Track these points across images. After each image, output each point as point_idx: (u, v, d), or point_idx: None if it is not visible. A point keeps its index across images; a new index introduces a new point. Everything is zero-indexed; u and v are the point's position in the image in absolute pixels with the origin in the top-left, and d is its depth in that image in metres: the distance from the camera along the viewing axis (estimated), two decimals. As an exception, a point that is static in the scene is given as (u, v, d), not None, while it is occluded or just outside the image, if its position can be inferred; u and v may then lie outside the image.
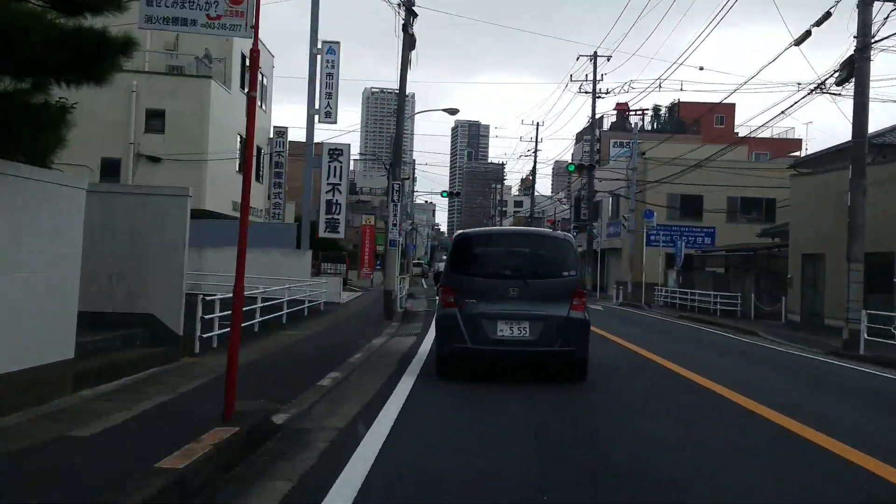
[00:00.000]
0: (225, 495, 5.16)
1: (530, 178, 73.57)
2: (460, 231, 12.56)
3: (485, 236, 12.57)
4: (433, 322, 13.04)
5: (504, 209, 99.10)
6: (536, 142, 69.63)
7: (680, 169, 38.72)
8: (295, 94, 49.64)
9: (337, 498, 5.08)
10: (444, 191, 37.17)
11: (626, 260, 45.45)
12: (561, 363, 10.56)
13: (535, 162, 72.43)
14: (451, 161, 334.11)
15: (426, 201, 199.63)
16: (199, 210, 24.94)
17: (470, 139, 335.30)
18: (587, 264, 43.32)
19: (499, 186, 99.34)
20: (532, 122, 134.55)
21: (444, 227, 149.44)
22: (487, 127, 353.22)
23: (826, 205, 24.84)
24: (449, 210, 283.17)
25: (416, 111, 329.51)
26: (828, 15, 18.51)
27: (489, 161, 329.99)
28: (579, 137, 67.65)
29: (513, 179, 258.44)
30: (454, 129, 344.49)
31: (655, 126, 68.76)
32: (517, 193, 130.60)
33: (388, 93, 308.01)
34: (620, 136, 62.94)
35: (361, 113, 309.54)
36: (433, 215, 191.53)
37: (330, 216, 28.45)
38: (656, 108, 73.01)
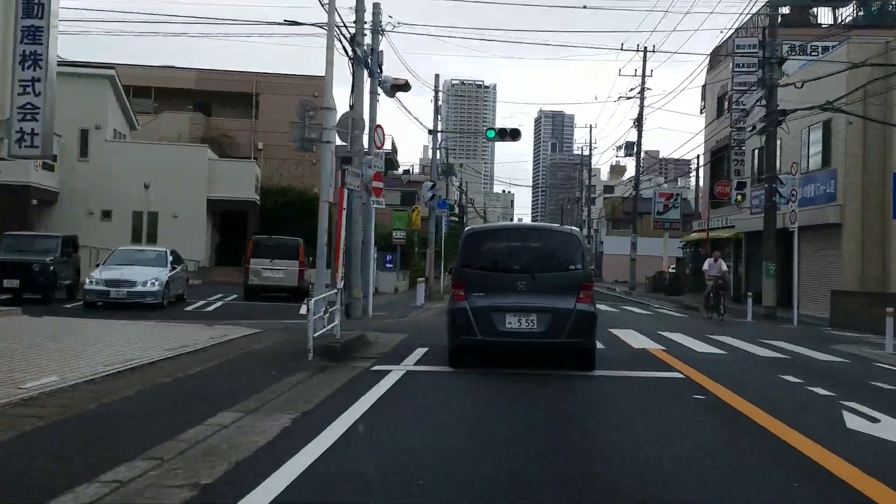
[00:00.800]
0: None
1: (621, 156, 60.55)
2: (469, 227, 12.94)
3: (493, 232, 12.89)
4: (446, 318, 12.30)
5: (592, 195, 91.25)
6: (644, 76, 48.82)
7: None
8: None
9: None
10: (490, 129, 30.97)
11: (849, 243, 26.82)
12: (568, 354, 10.92)
13: (641, 103, 48.13)
14: (534, 154, 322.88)
15: (504, 191, 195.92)
16: None
17: (553, 130, 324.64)
18: (768, 256, 25.74)
19: (583, 167, 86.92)
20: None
21: (527, 220, 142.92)
22: (572, 117, 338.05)
23: None
24: (532, 205, 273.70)
25: (496, 102, 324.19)
26: None
27: (574, 152, 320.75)
28: (717, 56, 42.19)
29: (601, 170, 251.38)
30: (537, 121, 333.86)
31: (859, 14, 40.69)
32: (606, 179, 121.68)
33: (468, 84, 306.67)
34: (801, 35, 33.42)
35: (442, 100, 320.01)
36: (511, 205, 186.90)
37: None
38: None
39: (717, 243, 38.01)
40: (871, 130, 26.00)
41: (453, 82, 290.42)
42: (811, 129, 28.69)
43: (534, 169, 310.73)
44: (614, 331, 17.46)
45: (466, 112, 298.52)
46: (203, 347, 11.89)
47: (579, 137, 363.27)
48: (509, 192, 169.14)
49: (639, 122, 48.52)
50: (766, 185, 26.10)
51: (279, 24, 23.15)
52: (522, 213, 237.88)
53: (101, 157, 36.96)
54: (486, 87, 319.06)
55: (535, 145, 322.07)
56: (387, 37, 26.51)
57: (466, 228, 12.86)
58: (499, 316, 10.51)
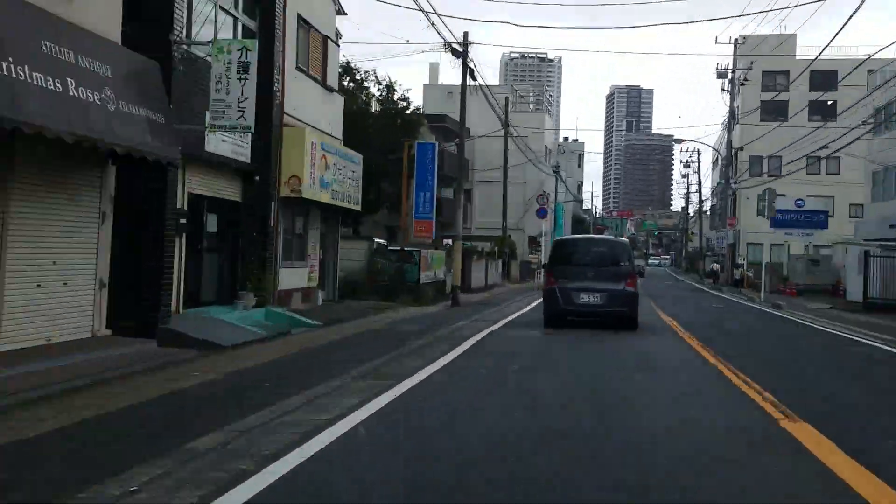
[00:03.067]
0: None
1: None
2: (557, 238, 19.68)
3: (572, 241, 20.09)
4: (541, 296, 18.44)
5: (688, 193, 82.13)
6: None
7: None
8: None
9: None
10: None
11: None
12: (619, 319, 16.44)
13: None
14: (605, 135, 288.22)
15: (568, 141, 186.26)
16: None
17: (629, 107, 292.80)
18: None
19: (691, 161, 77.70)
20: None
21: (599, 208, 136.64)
22: (651, 92, 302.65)
23: None
24: (604, 195, 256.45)
25: (562, 77, 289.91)
26: None
27: (653, 132, 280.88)
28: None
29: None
30: (609, 97, 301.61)
31: None
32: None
33: (529, 58, 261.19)
34: None
35: (499, 78, 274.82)
36: (579, 190, 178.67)
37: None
38: None
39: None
40: None
41: (512, 55, 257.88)
42: None
43: (605, 153, 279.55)
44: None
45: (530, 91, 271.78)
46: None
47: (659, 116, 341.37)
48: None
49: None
50: None
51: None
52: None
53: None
54: (551, 60, 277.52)
55: (606, 125, 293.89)
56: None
57: (555, 239, 19.93)
58: (575, 294, 16.37)
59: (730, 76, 53.38)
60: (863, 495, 4.91)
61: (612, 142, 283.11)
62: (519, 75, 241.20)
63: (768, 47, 50.56)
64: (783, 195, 36.88)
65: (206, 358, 10.80)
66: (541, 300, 18.86)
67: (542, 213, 40.16)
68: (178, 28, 12.53)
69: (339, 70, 23.41)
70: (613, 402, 8.48)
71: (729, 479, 5.37)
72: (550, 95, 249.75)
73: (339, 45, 21.87)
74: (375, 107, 34.25)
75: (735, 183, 52.66)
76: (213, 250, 15.56)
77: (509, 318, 19.23)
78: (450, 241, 30.38)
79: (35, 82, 8.33)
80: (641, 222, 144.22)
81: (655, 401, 8.58)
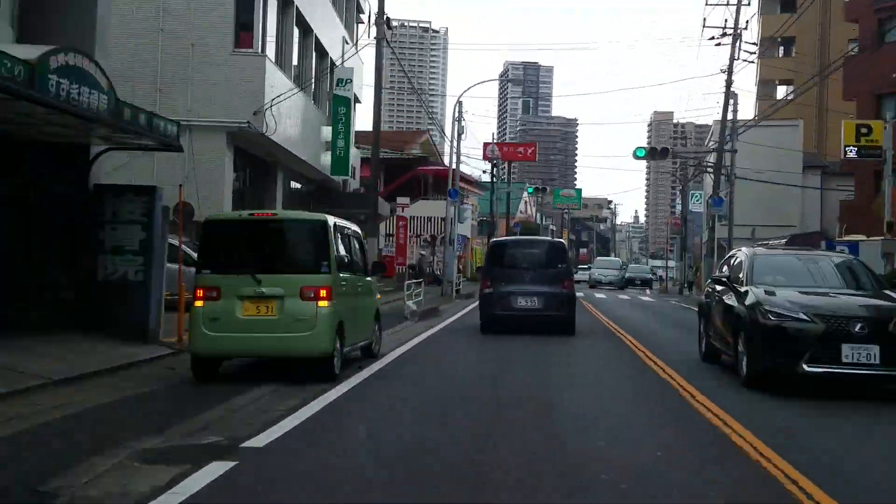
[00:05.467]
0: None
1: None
2: (493, 240, 19.59)
3: (510, 242, 20.09)
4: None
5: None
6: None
7: None
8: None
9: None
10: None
11: None
12: (557, 323, 16.18)
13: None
14: (498, 114, 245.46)
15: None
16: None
17: (526, 86, 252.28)
18: None
19: None
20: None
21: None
22: (550, 69, 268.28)
23: None
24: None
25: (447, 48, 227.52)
26: None
27: (553, 115, 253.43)
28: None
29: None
30: (503, 75, 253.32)
31: None
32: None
33: (410, 27, 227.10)
34: None
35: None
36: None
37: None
38: None
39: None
40: None
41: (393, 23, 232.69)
42: None
43: (498, 134, 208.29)
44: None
45: (408, 63, 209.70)
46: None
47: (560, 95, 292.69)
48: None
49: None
50: None
51: None
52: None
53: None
54: (436, 31, 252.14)
55: (499, 105, 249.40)
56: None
57: (492, 241, 19.84)
58: (513, 298, 16.09)
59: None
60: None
61: (506, 123, 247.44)
62: (399, 46, 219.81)
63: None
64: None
65: None
66: None
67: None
68: None
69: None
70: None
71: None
72: (434, 70, 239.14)
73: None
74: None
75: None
76: None
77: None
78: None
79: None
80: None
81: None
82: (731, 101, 36.70)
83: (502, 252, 17.59)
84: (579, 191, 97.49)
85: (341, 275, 10.28)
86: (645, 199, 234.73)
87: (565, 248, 18.59)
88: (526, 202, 76.77)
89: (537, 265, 16.70)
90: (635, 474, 6.04)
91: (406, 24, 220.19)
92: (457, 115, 36.02)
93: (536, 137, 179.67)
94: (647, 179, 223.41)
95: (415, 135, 61.15)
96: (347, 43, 30.11)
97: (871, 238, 24.44)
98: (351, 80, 26.91)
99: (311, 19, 25.30)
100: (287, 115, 22.27)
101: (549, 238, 18.37)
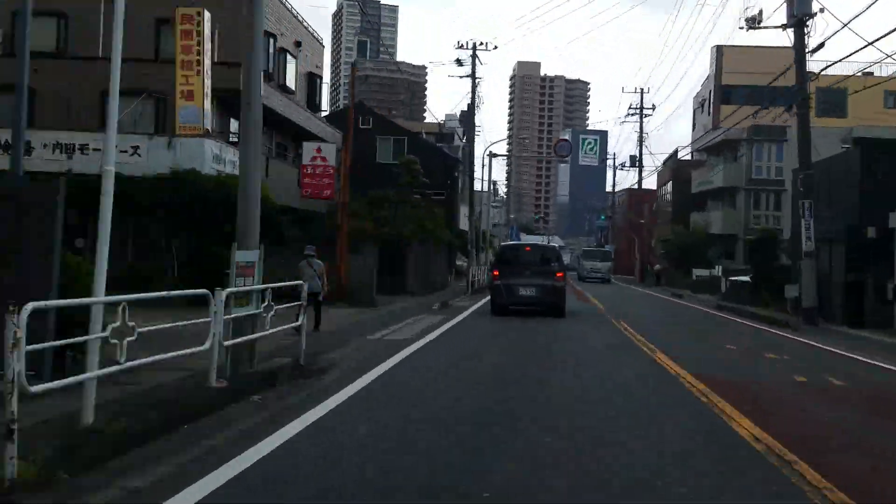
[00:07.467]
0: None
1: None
2: (503, 244, 27.64)
3: (516, 246, 28.49)
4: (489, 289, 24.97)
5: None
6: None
7: None
8: None
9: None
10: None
11: None
12: (551, 308, 21.85)
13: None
14: (332, 64, 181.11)
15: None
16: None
17: (361, 20, 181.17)
18: None
19: None
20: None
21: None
22: (395, 10, 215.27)
23: None
24: None
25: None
26: None
27: (397, 59, 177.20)
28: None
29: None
30: (336, 15, 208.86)
31: None
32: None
33: None
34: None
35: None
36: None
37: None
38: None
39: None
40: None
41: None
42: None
43: (331, 89, 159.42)
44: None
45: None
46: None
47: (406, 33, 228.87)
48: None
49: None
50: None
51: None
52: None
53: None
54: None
55: (332, 50, 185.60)
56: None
57: (502, 244, 33.41)
58: (517, 288, 21.97)
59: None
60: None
61: (339, 69, 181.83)
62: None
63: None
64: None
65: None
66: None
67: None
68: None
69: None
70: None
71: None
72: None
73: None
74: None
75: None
76: None
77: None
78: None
79: None
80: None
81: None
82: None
83: (510, 252, 24.78)
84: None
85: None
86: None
87: (558, 249, 25.12)
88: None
89: (535, 263, 22.35)
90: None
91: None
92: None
93: (380, 88, 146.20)
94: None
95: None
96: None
97: None
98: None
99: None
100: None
101: (547, 243, 35.02)
